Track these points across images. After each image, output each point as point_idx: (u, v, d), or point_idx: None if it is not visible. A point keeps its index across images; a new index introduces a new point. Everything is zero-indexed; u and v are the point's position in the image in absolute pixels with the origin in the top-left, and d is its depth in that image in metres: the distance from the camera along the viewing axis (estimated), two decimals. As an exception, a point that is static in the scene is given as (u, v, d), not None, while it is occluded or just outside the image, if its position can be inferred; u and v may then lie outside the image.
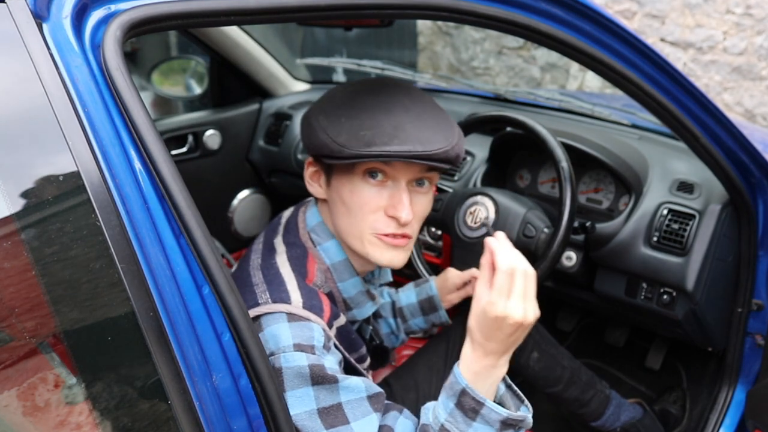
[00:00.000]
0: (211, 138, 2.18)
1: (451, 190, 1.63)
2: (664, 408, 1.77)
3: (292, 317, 0.91)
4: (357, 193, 0.99)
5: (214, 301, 0.73)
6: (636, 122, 1.90)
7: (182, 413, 0.69)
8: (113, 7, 0.73)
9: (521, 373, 1.60)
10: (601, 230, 1.52)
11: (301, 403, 0.87)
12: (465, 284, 1.43)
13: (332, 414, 0.88)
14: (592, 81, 4.50)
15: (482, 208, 1.47)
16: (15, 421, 0.67)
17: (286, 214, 1.17)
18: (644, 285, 1.53)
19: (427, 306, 1.48)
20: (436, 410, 0.92)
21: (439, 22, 5.06)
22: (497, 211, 1.46)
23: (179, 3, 0.75)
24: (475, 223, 1.47)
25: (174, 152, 2.12)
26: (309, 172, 1.07)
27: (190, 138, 2.14)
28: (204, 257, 0.72)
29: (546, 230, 1.40)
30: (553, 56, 4.66)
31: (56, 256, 0.67)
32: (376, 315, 1.50)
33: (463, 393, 0.89)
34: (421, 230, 1.58)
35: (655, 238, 1.48)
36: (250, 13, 0.80)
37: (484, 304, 0.90)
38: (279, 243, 1.08)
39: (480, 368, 0.91)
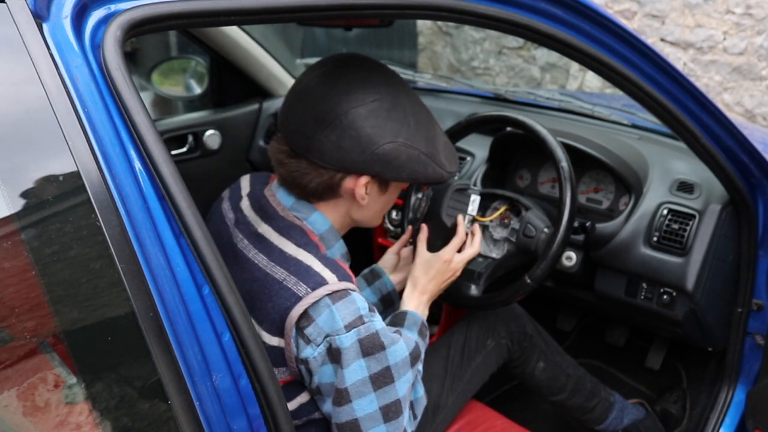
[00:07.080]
0: (211, 138, 2.18)
1: None
2: (665, 408, 1.77)
3: (334, 296, 0.97)
4: (397, 191, 1.16)
5: (214, 301, 0.73)
6: (636, 122, 1.89)
7: (182, 413, 0.69)
8: (113, 7, 0.73)
9: (526, 382, 1.59)
10: (601, 230, 1.52)
11: (354, 374, 0.96)
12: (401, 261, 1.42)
13: (380, 378, 0.99)
14: (592, 81, 4.50)
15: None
16: (15, 421, 0.67)
17: (245, 205, 1.14)
18: (644, 285, 1.53)
19: (387, 301, 1.40)
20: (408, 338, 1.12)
21: (439, 22, 5.06)
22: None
23: (179, 3, 0.75)
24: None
25: (174, 152, 2.11)
26: (360, 191, 1.05)
27: (190, 138, 2.14)
28: (204, 257, 0.72)
29: (546, 230, 1.40)
30: (553, 56, 4.65)
31: (56, 256, 0.67)
32: None
33: (422, 324, 1.20)
34: (416, 225, 1.58)
35: (655, 238, 1.48)
36: (250, 13, 0.80)
37: (433, 254, 1.29)
38: (269, 231, 1.08)
39: (419, 305, 1.25)
